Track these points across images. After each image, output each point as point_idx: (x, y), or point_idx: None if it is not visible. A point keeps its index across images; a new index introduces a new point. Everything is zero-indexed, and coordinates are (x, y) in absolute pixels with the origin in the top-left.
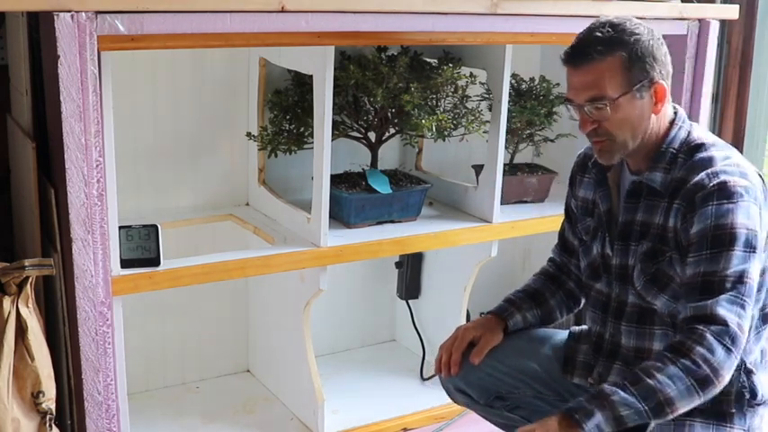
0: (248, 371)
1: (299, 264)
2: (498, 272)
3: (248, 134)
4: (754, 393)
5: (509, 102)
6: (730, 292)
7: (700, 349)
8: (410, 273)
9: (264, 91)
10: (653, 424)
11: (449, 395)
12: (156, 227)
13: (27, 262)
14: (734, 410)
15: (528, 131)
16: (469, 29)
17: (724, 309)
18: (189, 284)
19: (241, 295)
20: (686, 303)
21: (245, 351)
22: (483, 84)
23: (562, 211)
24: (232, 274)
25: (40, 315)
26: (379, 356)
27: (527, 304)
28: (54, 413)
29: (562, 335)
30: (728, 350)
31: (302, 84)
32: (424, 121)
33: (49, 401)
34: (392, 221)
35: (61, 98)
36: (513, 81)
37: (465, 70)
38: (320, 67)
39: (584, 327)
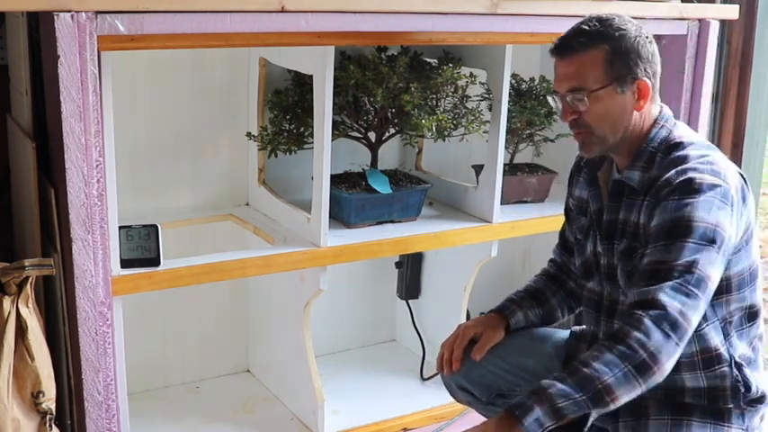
0: (248, 371)
1: (299, 264)
2: (498, 272)
3: (248, 134)
4: (748, 387)
5: (509, 102)
6: (676, 280)
7: (636, 334)
8: (410, 273)
9: (264, 91)
10: (594, 414)
11: (451, 393)
12: (156, 227)
13: (27, 262)
14: (731, 407)
15: (528, 131)
16: (469, 29)
17: (666, 295)
18: (189, 284)
19: (241, 295)
20: (633, 290)
21: (245, 351)
22: (483, 84)
23: (562, 211)
24: (232, 274)
25: (40, 315)
26: (379, 356)
27: (528, 303)
28: (54, 413)
29: (563, 334)
30: (667, 335)
31: (302, 84)
32: (424, 121)
33: (49, 401)
34: (392, 221)
35: (61, 98)
36: (513, 81)
37: (465, 70)
38: (320, 67)
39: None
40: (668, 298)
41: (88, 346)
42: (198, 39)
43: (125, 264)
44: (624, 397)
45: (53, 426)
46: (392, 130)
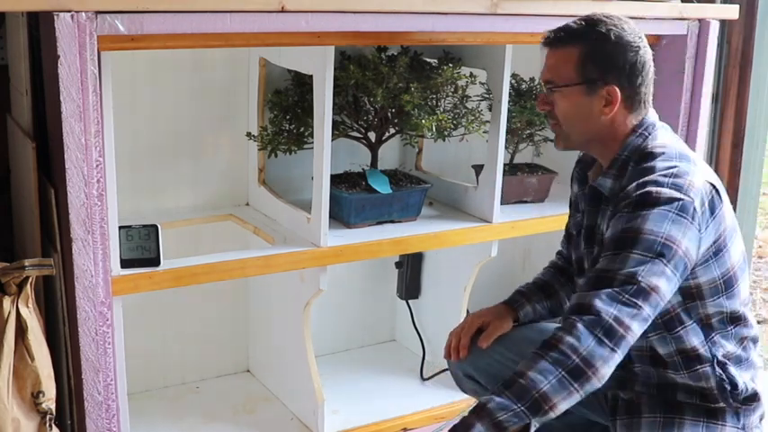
0: (248, 371)
1: (299, 264)
2: (498, 272)
3: (248, 134)
4: (734, 385)
5: (509, 102)
6: (614, 288)
7: (568, 339)
8: (410, 273)
9: (264, 91)
10: (536, 423)
11: (457, 382)
12: (156, 227)
13: (27, 262)
14: (722, 405)
15: (528, 131)
16: (469, 29)
17: (601, 301)
18: (189, 284)
19: (241, 295)
20: (574, 296)
21: (245, 351)
22: (483, 84)
23: (562, 211)
24: (232, 274)
25: (40, 315)
26: (379, 356)
27: (537, 296)
28: (54, 413)
29: None
30: (600, 340)
31: (302, 84)
32: (424, 121)
33: (49, 401)
34: (392, 221)
35: (61, 98)
36: (513, 81)
37: (465, 70)
38: (320, 67)
39: None
40: (603, 304)
41: (88, 346)
42: (198, 39)
43: (125, 264)
44: (562, 403)
45: (53, 426)
46: (392, 130)
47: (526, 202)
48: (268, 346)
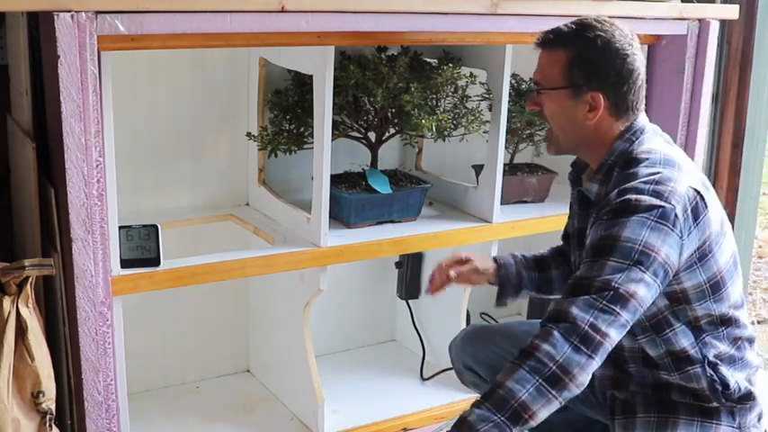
0: (248, 371)
1: (299, 264)
2: None
3: (248, 134)
4: (726, 385)
5: (509, 102)
6: (591, 295)
7: (545, 347)
8: (410, 273)
9: (264, 91)
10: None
11: (457, 374)
12: (156, 227)
13: (27, 262)
14: (716, 405)
15: (528, 131)
16: (469, 29)
17: (577, 308)
18: (189, 284)
19: (241, 295)
20: (552, 301)
21: (245, 351)
22: (483, 84)
23: (562, 211)
24: (232, 274)
25: (40, 315)
26: (379, 356)
27: (528, 265)
28: (54, 413)
29: None
30: (577, 348)
31: (302, 84)
32: (424, 121)
33: (49, 401)
34: (392, 221)
35: (61, 98)
36: (513, 81)
37: (465, 70)
38: (320, 67)
39: None
40: (579, 311)
41: (88, 346)
42: (198, 39)
43: (125, 264)
44: (542, 411)
45: (53, 426)
46: (392, 130)
47: (526, 202)
48: (268, 346)
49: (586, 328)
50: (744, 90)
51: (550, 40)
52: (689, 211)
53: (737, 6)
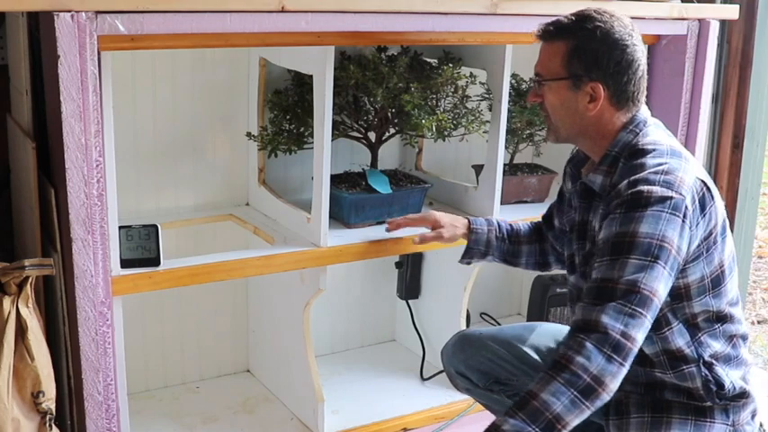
0: (248, 371)
1: (299, 264)
2: (498, 272)
3: (248, 134)
4: (720, 385)
5: (509, 102)
6: (619, 300)
7: (579, 359)
8: (410, 273)
9: (264, 91)
10: None
11: (450, 379)
12: (156, 227)
13: (27, 262)
14: (710, 404)
15: (528, 131)
16: (469, 29)
17: (608, 317)
18: (189, 284)
19: (241, 295)
20: (578, 306)
21: (245, 351)
22: (483, 84)
23: None
24: (232, 274)
25: (40, 315)
26: (379, 356)
27: (501, 235)
28: (54, 413)
29: (565, 329)
30: (609, 357)
31: (302, 84)
32: (424, 121)
33: (49, 401)
34: None
35: (61, 98)
36: (513, 81)
37: (465, 70)
38: (320, 67)
39: None
40: (610, 320)
41: (88, 346)
42: (198, 39)
43: (125, 264)
44: (574, 421)
45: (53, 426)
46: (392, 130)
47: (526, 202)
48: (268, 346)
49: (618, 337)
50: (744, 90)
51: (551, 32)
52: (697, 201)
53: (737, 6)
